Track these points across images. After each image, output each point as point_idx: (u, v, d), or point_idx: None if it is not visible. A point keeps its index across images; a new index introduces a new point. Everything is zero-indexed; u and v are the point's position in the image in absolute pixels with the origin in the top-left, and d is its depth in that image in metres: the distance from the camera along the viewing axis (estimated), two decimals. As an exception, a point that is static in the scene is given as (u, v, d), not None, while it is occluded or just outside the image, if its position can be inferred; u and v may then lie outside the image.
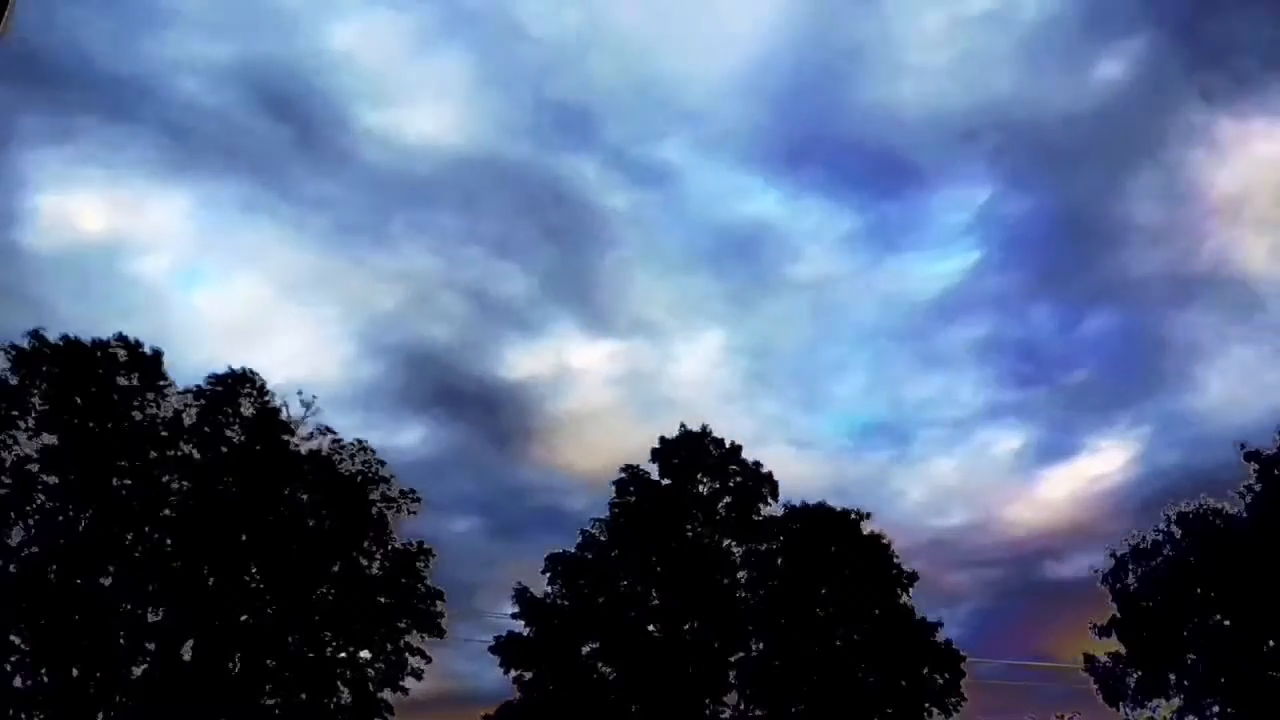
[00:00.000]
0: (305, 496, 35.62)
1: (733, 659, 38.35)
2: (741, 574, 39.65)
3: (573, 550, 39.01)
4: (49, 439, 33.06)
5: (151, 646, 32.91)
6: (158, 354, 35.02)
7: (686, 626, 38.39)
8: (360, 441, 36.84)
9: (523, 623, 37.97)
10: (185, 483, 34.41)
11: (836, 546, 39.53)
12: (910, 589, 39.71)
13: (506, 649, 37.56)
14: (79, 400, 33.52)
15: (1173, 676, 36.93)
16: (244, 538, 34.13)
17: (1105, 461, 58.81)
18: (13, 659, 31.33)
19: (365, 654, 35.27)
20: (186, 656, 33.04)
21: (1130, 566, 37.96)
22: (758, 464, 40.36)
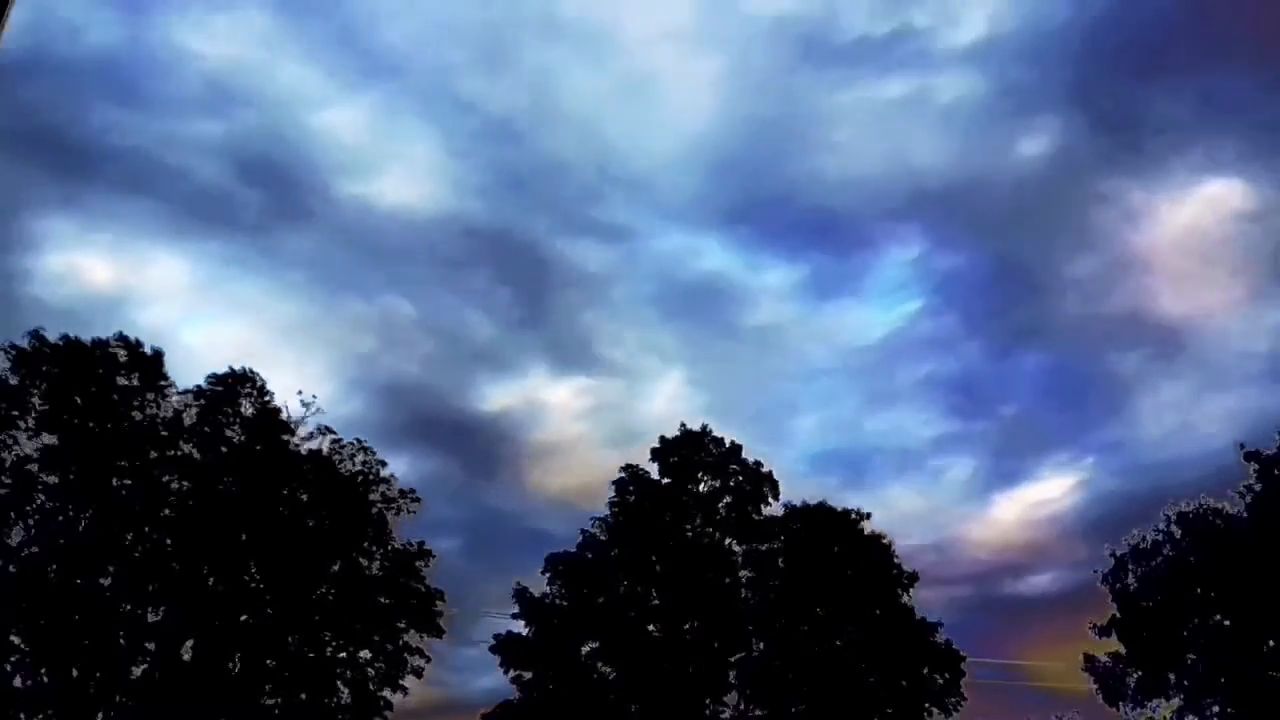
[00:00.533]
0: (305, 496, 35.62)
1: (733, 659, 38.33)
2: (742, 574, 39.63)
3: (572, 550, 39.00)
4: (49, 439, 33.07)
5: (151, 646, 32.91)
6: (158, 354, 35.02)
7: (686, 626, 38.37)
8: (360, 441, 36.91)
9: (523, 623, 37.98)
10: (185, 483, 34.42)
11: (836, 546, 39.51)
12: (910, 589, 39.71)
13: (506, 649, 37.55)
14: (79, 400, 33.52)
15: (1173, 676, 36.91)
16: (244, 538, 34.13)
17: (1051, 488, 66.33)
18: (13, 659, 31.35)
19: (365, 654, 35.27)
20: (186, 656, 33.04)
21: (1130, 566, 37.95)
22: (758, 463, 40.36)
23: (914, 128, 61.99)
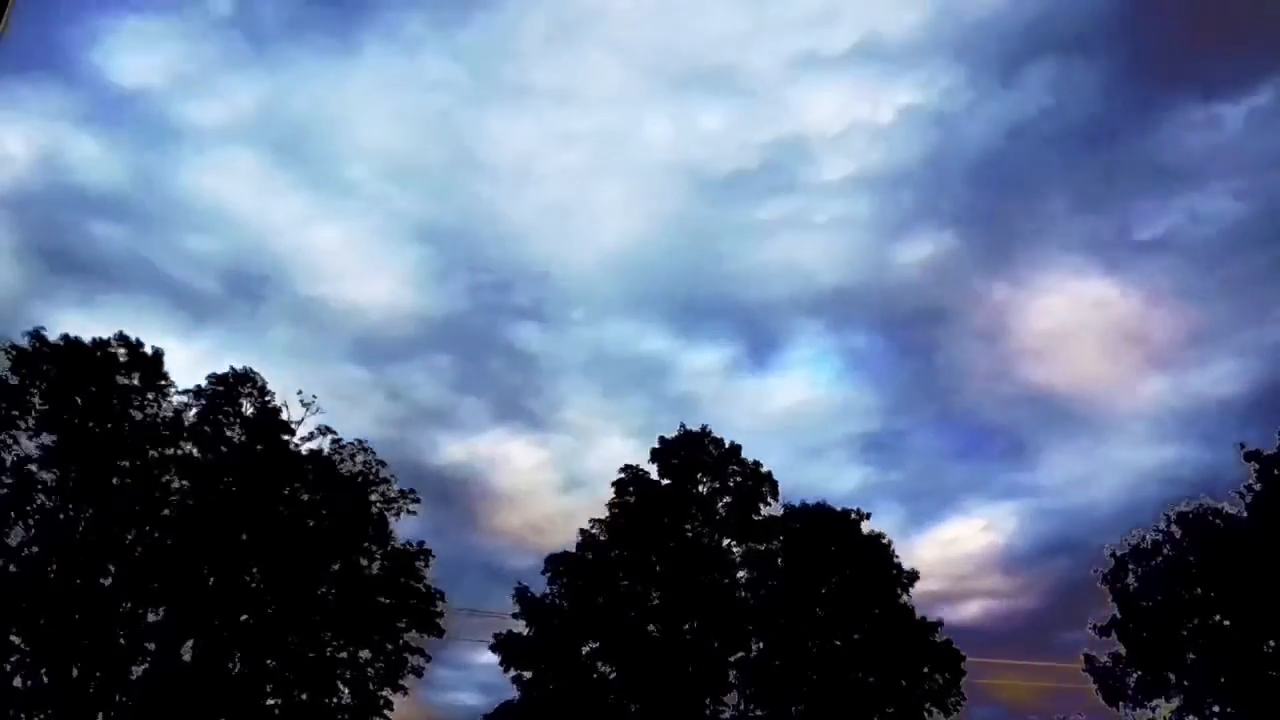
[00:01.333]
0: (305, 496, 35.61)
1: (733, 659, 38.31)
2: (741, 574, 39.62)
3: (571, 550, 38.98)
4: (49, 439, 33.07)
5: (151, 646, 32.91)
6: (158, 353, 35.02)
7: (686, 626, 38.35)
8: (360, 441, 36.91)
9: (523, 622, 37.96)
10: (185, 482, 34.41)
11: (836, 546, 39.49)
12: (910, 589, 39.69)
13: (506, 648, 37.52)
14: (79, 400, 33.52)
15: (1172, 676, 36.91)
16: (244, 538, 34.12)
17: (973, 529, 72.67)
18: (13, 659, 31.34)
19: (365, 654, 35.26)
20: (186, 656, 33.03)
21: (1130, 566, 37.95)
22: (757, 464, 40.32)
23: (802, 240, 73.77)
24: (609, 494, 39.87)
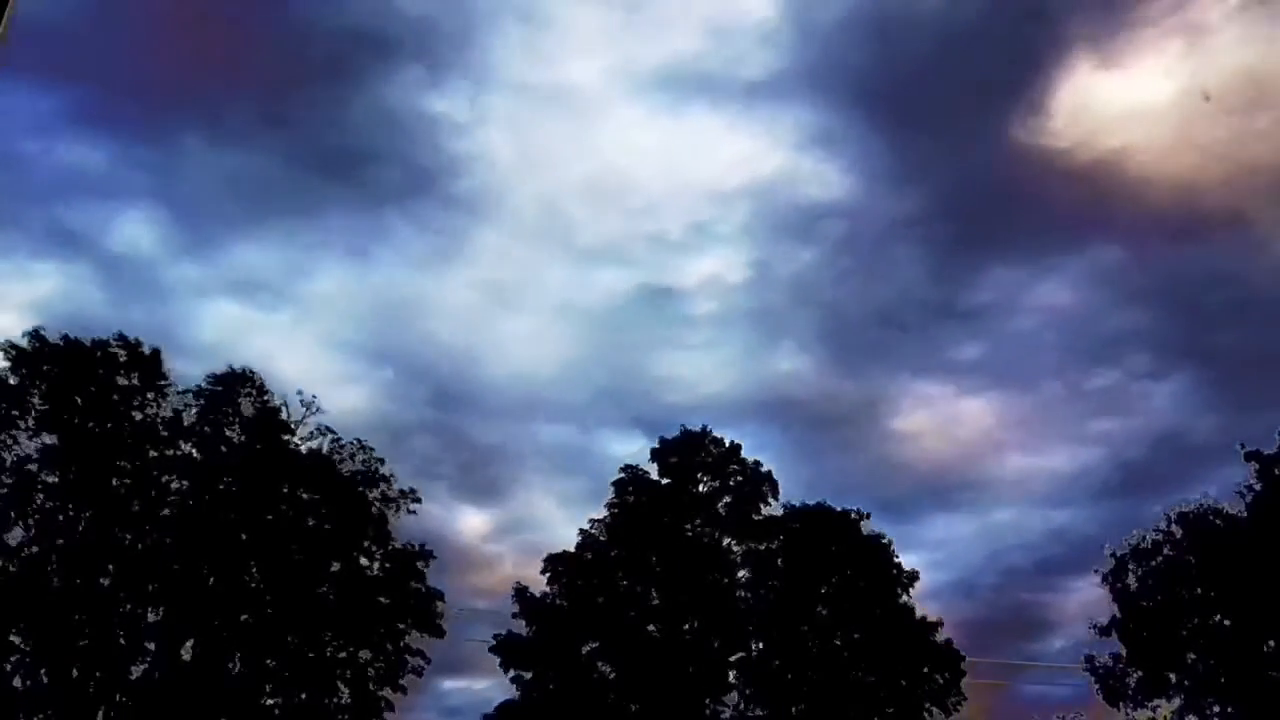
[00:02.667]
0: (305, 496, 35.60)
1: (733, 659, 38.33)
2: (741, 574, 39.62)
3: (571, 550, 39.00)
4: (49, 439, 33.07)
5: (151, 646, 32.92)
6: (157, 353, 35.00)
7: (686, 626, 38.37)
8: (360, 441, 36.86)
9: (523, 622, 37.98)
10: (185, 483, 34.41)
11: (836, 546, 39.48)
12: (910, 589, 39.70)
13: (506, 649, 37.55)
14: (79, 400, 33.51)
15: (1173, 676, 36.92)
16: (244, 537, 34.12)
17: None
18: (13, 659, 31.36)
19: (365, 654, 35.26)
20: (186, 656, 33.04)
21: (1130, 566, 37.94)
22: (757, 463, 40.32)
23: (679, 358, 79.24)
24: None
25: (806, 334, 77.78)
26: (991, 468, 72.62)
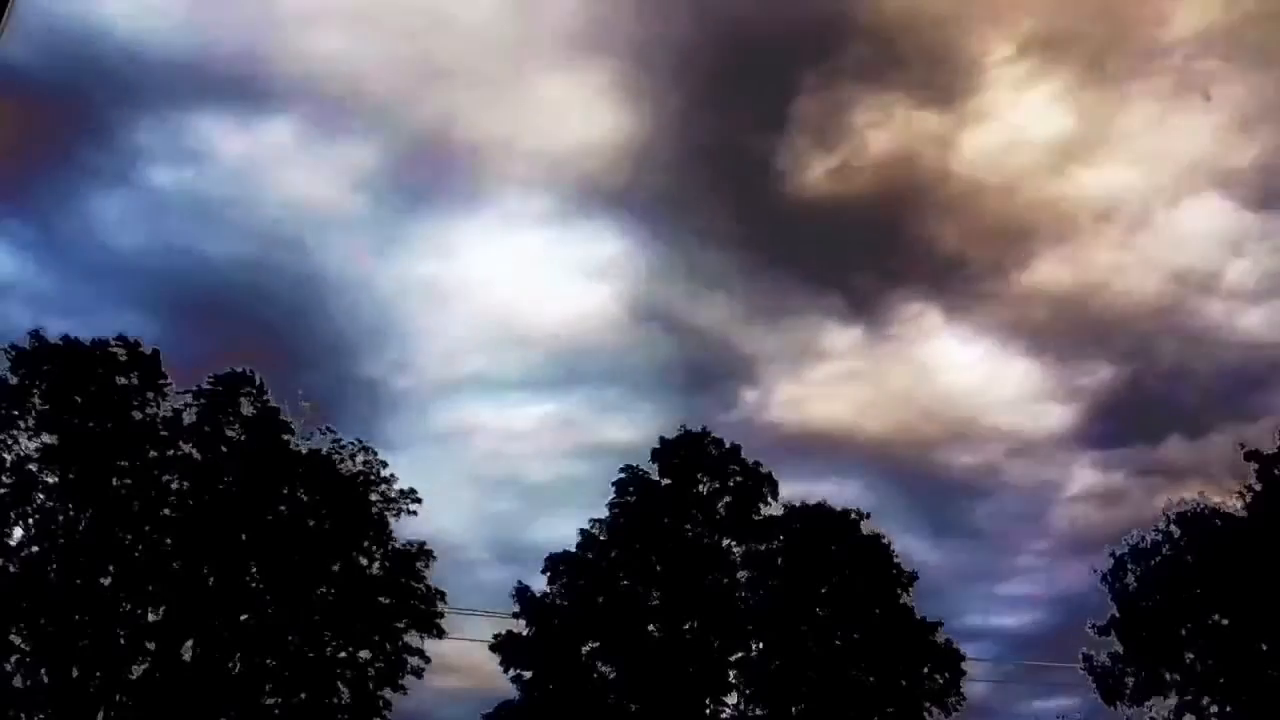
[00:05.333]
0: (305, 496, 35.58)
1: (733, 659, 38.37)
2: (741, 574, 39.64)
3: (572, 550, 39.01)
4: (49, 439, 33.04)
5: (151, 646, 32.89)
6: (156, 353, 34.98)
7: (686, 626, 38.41)
8: (360, 441, 36.83)
9: (523, 622, 37.98)
10: (185, 483, 34.37)
11: (836, 546, 39.53)
12: (910, 589, 39.74)
13: (506, 648, 37.55)
14: (79, 400, 33.48)
15: (1171, 676, 36.99)
16: (244, 538, 34.10)
17: None
18: (13, 659, 31.33)
19: (365, 654, 35.25)
20: (186, 656, 33.02)
21: (1129, 566, 38.00)
22: (758, 464, 40.35)
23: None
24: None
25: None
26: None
